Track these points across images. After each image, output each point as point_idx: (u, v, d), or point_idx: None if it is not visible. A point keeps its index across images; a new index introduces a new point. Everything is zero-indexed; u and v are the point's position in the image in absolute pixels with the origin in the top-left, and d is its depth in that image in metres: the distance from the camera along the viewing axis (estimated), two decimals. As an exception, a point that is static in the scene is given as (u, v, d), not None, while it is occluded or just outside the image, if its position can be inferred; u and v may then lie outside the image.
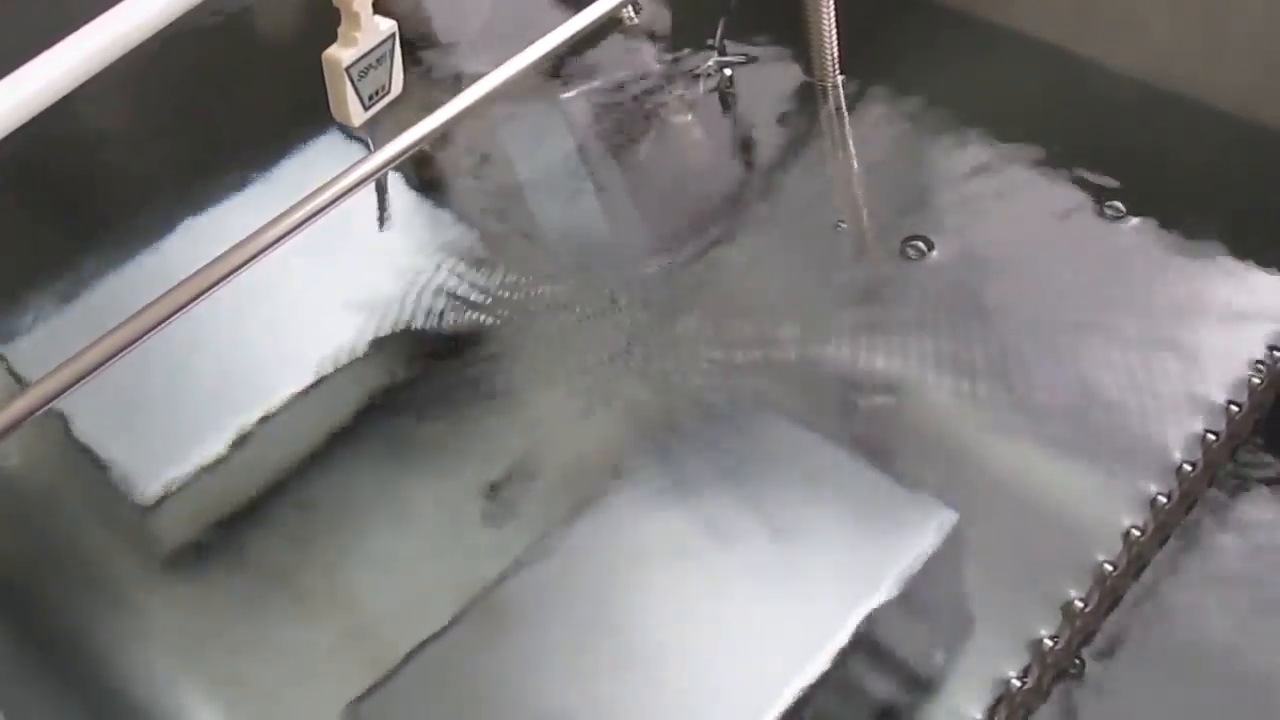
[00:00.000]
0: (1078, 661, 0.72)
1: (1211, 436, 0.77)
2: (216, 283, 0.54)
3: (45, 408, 0.51)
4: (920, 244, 0.91)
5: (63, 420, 0.84)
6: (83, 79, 0.57)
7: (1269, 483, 0.79)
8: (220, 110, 1.05)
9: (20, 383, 0.86)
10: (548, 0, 1.14)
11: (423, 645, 0.68)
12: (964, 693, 0.68)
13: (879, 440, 0.80)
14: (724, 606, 0.69)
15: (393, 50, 0.77)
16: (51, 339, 0.88)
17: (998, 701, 0.67)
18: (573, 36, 0.68)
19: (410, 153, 0.61)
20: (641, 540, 0.73)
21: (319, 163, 1.00)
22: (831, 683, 0.65)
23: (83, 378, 0.51)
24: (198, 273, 0.54)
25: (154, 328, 0.52)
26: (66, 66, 0.56)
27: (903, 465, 0.77)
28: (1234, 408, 0.78)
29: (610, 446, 0.81)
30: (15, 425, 0.50)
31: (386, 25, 0.76)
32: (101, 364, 0.51)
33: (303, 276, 0.90)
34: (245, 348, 0.86)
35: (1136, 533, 0.73)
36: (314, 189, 0.58)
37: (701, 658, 0.67)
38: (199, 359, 0.85)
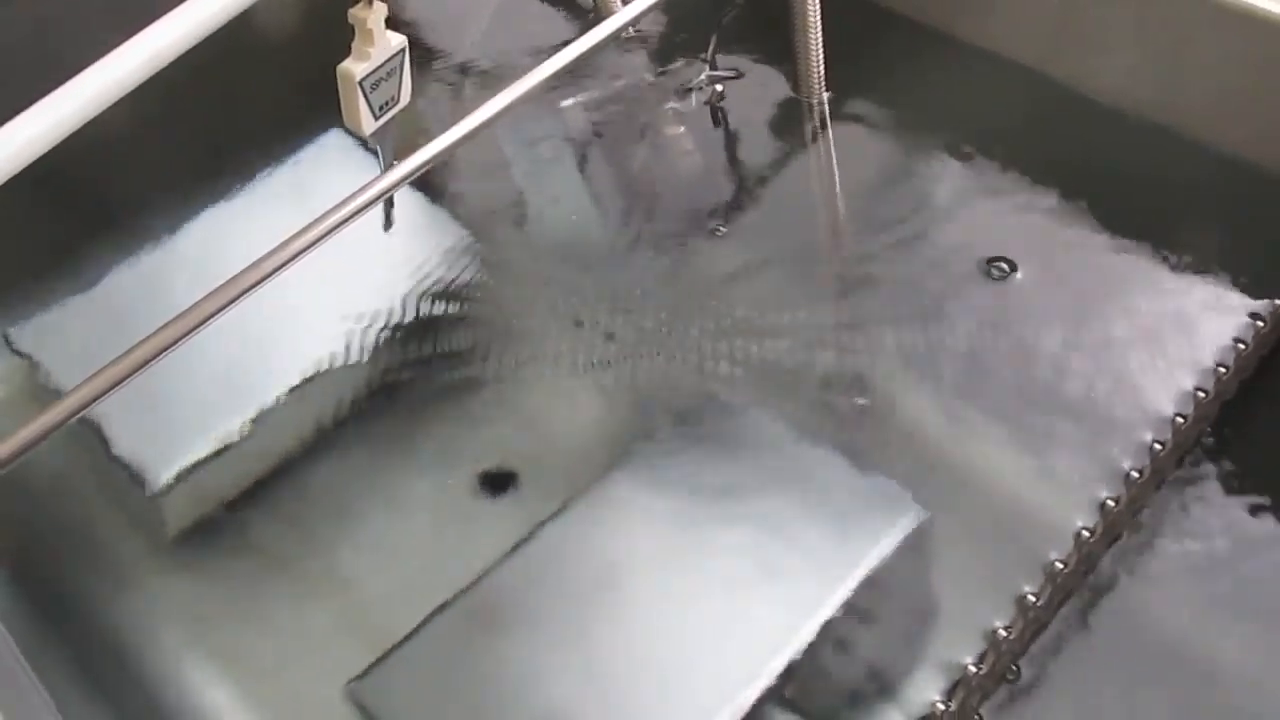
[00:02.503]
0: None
1: (1158, 446, 0.80)
2: (244, 292, 0.57)
3: (75, 417, 0.53)
4: (891, 250, 0.95)
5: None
6: (108, 103, 0.59)
7: (1211, 490, 0.82)
8: (233, 115, 1.06)
9: (36, 371, 0.89)
10: (543, 12, 1.17)
11: (419, 628, 0.72)
12: (925, 677, 0.72)
13: (856, 438, 0.83)
14: (706, 592, 0.73)
15: (402, 64, 0.79)
16: (67, 334, 0.90)
17: (955, 685, 0.71)
18: (587, 52, 0.70)
19: (430, 166, 0.64)
20: (628, 531, 0.77)
21: (328, 167, 1.02)
22: (804, 666, 0.69)
23: (113, 387, 0.53)
24: (225, 284, 0.56)
25: (184, 336, 0.55)
26: (91, 93, 0.58)
27: (876, 462, 0.81)
28: (1180, 419, 0.82)
29: (599, 440, 0.85)
30: (45, 435, 0.52)
31: (397, 40, 0.78)
32: (131, 374, 0.53)
33: (304, 274, 0.92)
34: (249, 342, 0.88)
35: (1086, 534, 0.77)
36: (338, 202, 0.61)
37: (684, 641, 0.71)
38: (205, 354, 0.85)
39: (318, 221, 0.60)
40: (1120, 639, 0.75)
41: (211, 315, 0.56)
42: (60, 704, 0.62)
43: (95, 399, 0.53)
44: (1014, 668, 0.74)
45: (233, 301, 0.56)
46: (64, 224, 0.97)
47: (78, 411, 0.52)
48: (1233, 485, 0.82)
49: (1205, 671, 0.74)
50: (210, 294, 0.56)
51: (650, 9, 0.74)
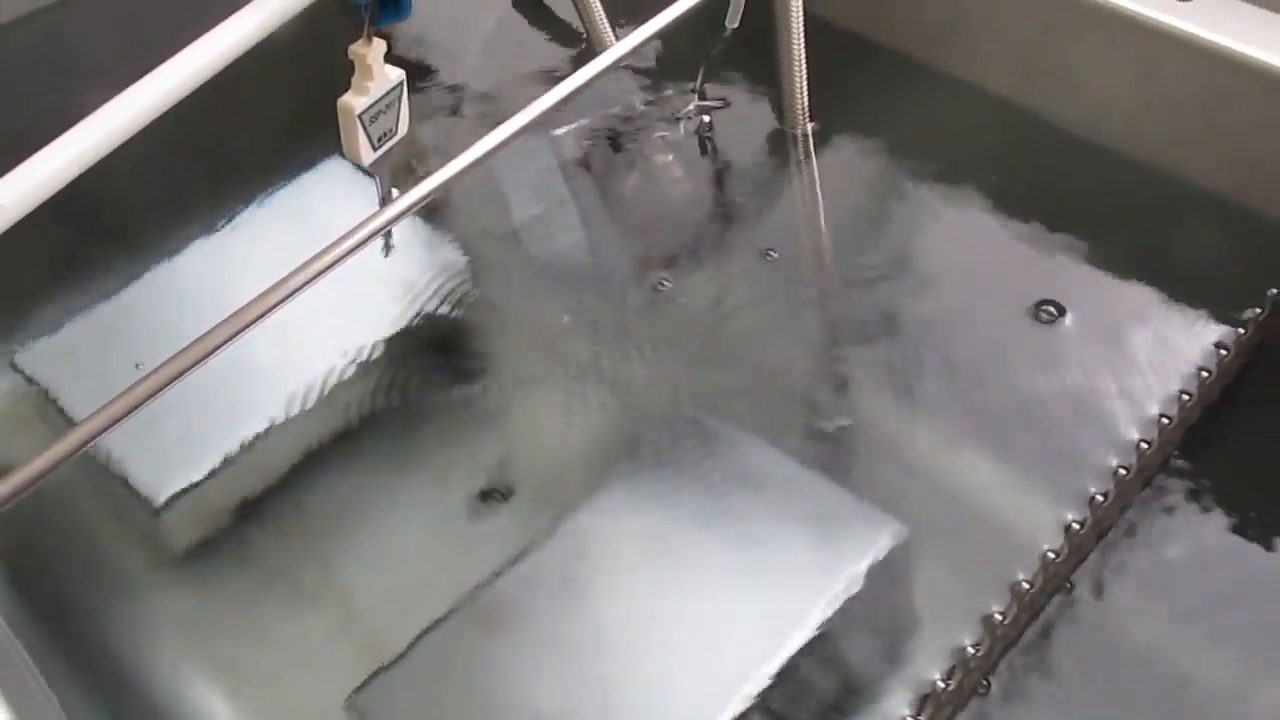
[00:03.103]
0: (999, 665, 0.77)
1: (1123, 471, 0.82)
2: (245, 327, 0.59)
3: (87, 446, 0.56)
4: (868, 272, 0.97)
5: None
6: (126, 138, 0.62)
7: (1177, 511, 0.84)
8: (237, 143, 1.09)
9: (38, 393, 0.90)
10: (536, 41, 1.19)
11: (418, 640, 0.73)
12: (896, 692, 0.73)
13: (836, 458, 0.86)
14: (692, 607, 0.74)
15: (400, 96, 0.81)
16: (70, 357, 0.92)
17: (924, 700, 0.73)
18: (587, 83, 0.72)
19: (430, 198, 0.67)
20: (617, 547, 0.78)
21: (328, 193, 1.04)
22: (784, 679, 0.70)
23: (120, 419, 0.55)
24: (227, 320, 0.58)
25: (187, 370, 0.56)
26: (111, 128, 0.60)
27: (855, 481, 0.83)
28: (1144, 445, 0.83)
29: (590, 457, 0.86)
30: (54, 468, 0.54)
31: (396, 74, 0.79)
32: (137, 407, 0.55)
33: (303, 296, 0.94)
34: (249, 361, 0.90)
35: (1052, 555, 0.78)
36: (343, 234, 0.63)
37: (670, 653, 0.72)
38: (206, 372, 0.87)
39: (323, 254, 0.62)
40: (1088, 654, 0.77)
41: (214, 349, 0.58)
42: (65, 712, 0.64)
43: (104, 430, 0.55)
44: (985, 682, 0.75)
45: (233, 337, 0.58)
46: (66, 249, 0.98)
47: (87, 443, 0.54)
48: (1198, 506, 0.84)
49: (1173, 687, 0.75)
50: (213, 329, 0.58)
51: (645, 42, 0.76)
